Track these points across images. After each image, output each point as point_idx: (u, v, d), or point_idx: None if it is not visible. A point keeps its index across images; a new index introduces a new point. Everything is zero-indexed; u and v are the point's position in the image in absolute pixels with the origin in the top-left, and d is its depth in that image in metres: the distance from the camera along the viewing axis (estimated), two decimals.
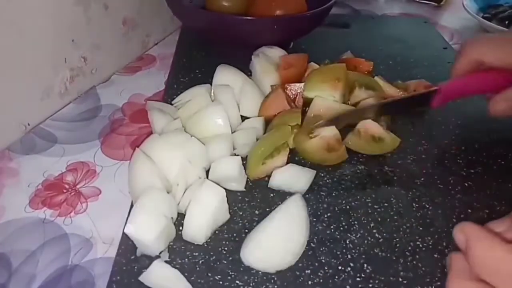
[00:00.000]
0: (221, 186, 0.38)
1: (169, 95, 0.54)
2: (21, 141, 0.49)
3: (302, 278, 0.34)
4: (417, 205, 0.41)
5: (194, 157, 0.41)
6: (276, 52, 0.56)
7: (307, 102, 0.49)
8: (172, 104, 0.51)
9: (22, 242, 0.38)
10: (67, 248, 0.37)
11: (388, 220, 0.39)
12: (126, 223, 0.35)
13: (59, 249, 0.37)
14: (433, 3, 0.92)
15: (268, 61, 0.54)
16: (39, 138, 0.50)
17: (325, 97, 0.48)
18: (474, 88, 0.47)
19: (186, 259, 0.35)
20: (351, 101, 0.51)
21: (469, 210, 0.40)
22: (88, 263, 0.36)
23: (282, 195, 0.41)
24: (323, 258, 0.36)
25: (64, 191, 0.43)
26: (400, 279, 0.34)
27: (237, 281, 0.34)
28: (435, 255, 0.36)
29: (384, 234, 0.38)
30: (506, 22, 0.75)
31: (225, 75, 0.52)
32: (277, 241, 0.35)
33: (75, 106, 0.56)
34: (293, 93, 0.51)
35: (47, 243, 0.38)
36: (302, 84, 0.50)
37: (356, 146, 0.46)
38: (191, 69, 0.61)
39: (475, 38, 0.47)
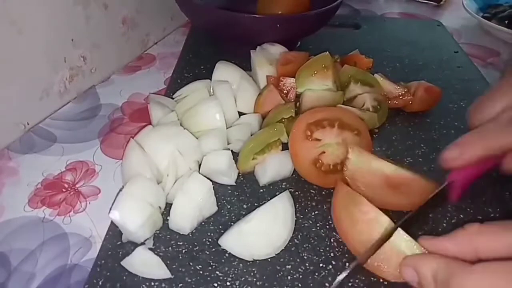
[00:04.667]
0: (212, 180, 0.39)
1: (172, 89, 0.55)
2: (21, 141, 0.49)
3: (282, 273, 0.34)
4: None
5: (186, 149, 0.42)
6: (277, 49, 0.57)
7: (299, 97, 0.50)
8: (173, 98, 0.51)
9: (21, 241, 0.38)
10: (66, 247, 0.38)
11: None
12: (110, 209, 0.35)
13: (59, 248, 0.37)
14: (433, 2, 0.92)
15: (264, 56, 0.54)
16: (38, 137, 0.50)
17: (317, 88, 0.49)
18: (489, 166, 0.38)
19: (170, 248, 0.36)
20: (346, 96, 0.51)
21: (461, 216, 0.40)
22: (87, 262, 0.36)
23: (271, 191, 0.42)
24: (306, 254, 0.36)
25: (64, 190, 0.43)
26: (381, 280, 0.34)
27: (217, 272, 0.34)
28: None
29: None
30: (506, 22, 0.75)
31: (223, 71, 0.52)
32: (259, 232, 0.36)
33: (74, 106, 0.56)
34: (287, 87, 0.51)
35: (46, 242, 0.38)
36: (294, 79, 0.51)
37: None
38: (196, 65, 0.61)
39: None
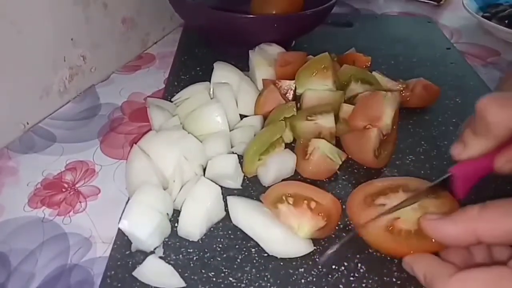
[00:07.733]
0: (218, 184, 0.38)
1: (169, 92, 0.54)
2: (20, 140, 0.49)
3: (295, 276, 0.34)
4: None
5: (191, 154, 0.41)
6: (274, 49, 0.56)
7: (299, 98, 0.50)
8: (172, 102, 0.51)
9: (21, 241, 0.38)
10: (66, 247, 0.38)
11: None
12: (120, 218, 0.35)
13: (58, 248, 0.38)
14: (433, 2, 0.92)
15: (263, 56, 0.54)
16: (38, 137, 0.50)
17: (317, 88, 0.49)
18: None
19: (181, 255, 0.36)
20: (347, 95, 0.51)
21: None
22: (87, 262, 0.36)
23: None
24: (317, 256, 0.36)
25: (63, 190, 0.43)
26: (394, 279, 0.34)
27: (231, 278, 0.34)
28: None
29: None
30: (506, 21, 0.75)
31: (222, 73, 0.52)
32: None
33: (74, 105, 0.56)
34: (284, 89, 0.51)
35: (46, 242, 0.38)
36: (292, 82, 0.51)
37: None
38: (192, 67, 0.61)
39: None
